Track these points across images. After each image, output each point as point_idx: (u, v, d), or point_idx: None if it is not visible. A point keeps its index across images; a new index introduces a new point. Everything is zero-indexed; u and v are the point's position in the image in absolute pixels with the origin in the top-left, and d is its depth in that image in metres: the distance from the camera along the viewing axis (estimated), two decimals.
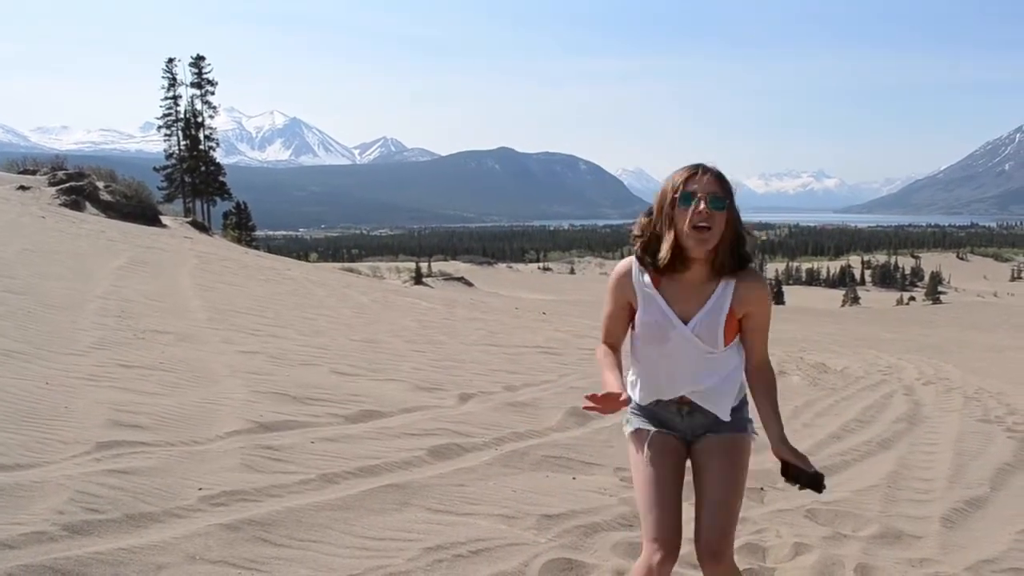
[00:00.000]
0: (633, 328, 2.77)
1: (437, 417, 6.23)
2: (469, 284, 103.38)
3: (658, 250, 2.61)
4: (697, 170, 2.58)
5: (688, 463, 2.82)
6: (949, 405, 10.07)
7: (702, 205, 2.52)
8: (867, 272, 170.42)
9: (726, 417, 2.75)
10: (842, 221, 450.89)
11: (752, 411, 2.87)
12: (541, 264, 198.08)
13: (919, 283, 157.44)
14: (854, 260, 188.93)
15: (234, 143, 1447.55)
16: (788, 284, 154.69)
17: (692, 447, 2.79)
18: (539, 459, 5.50)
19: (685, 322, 2.64)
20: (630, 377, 2.86)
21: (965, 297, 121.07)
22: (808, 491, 2.80)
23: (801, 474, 2.70)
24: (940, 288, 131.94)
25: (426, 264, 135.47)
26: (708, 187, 2.55)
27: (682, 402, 2.75)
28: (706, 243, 2.55)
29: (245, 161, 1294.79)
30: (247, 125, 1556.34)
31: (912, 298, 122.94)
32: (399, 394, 6.96)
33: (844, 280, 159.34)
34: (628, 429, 2.85)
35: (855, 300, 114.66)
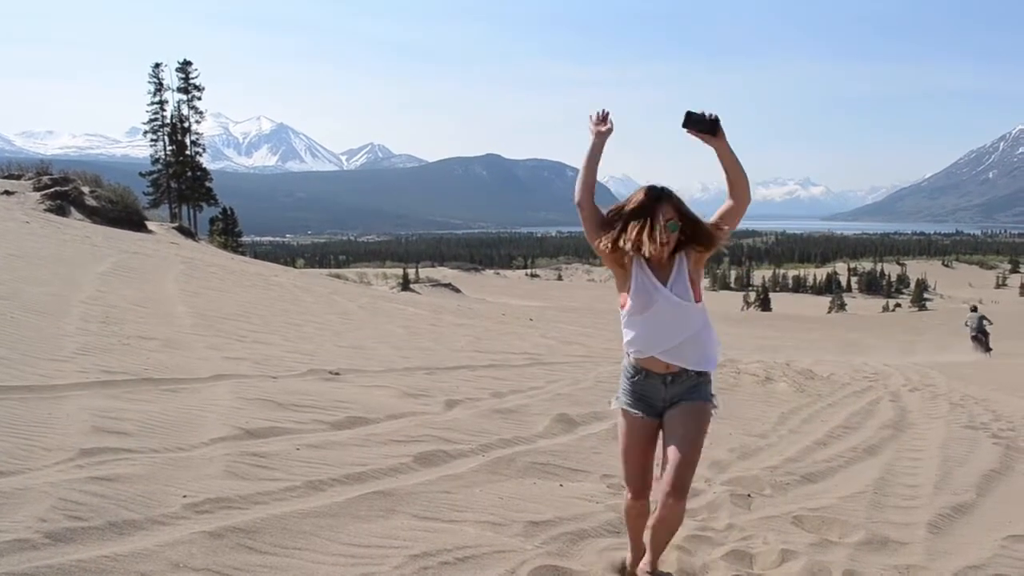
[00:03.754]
0: (621, 305, 3.52)
1: (423, 424, 6.22)
2: (456, 290, 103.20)
3: (635, 247, 3.37)
4: (655, 197, 3.36)
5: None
6: (935, 411, 10.12)
7: (662, 235, 3.32)
8: (853, 279, 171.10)
9: (703, 367, 3.46)
10: (828, 228, 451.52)
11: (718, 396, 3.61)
12: (529, 270, 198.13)
13: (905, 290, 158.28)
14: (840, 267, 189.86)
15: (221, 148, 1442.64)
16: (775, 291, 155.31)
17: (666, 414, 3.51)
18: (526, 466, 5.50)
19: (664, 284, 3.40)
20: (625, 343, 3.56)
21: (951, 304, 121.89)
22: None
23: (700, 119, 3.30)
24: (926, 295, 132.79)
25: (413, 270, 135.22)
26: (667, 214, 3.34)
27: (668, 370, 3.45)
28: (661, 254, 3.37)
29: (232, 167, 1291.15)
30: (234, 131, 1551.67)
31: (898, 305, 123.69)
32: (385, 400, 6.94)
33: (831, 287, 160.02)
34: (615, 405, 3.64)
35: (841, 307, 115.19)
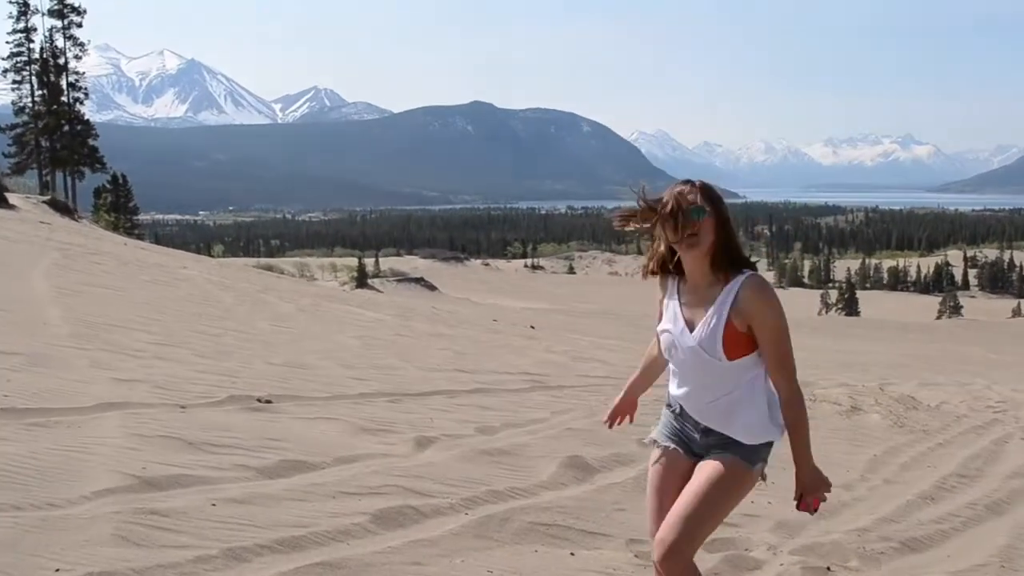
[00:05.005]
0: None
1: (386, 469, 6.21)
2: (431, 287, 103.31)
3: (669, 261, 3.62)
4: (680, 185, 3.57)
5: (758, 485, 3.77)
6: None
7: (683, 219, 3.45)
8: (972, 272, 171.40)
9: (738, 437, 3.57)
10: (938, 203, 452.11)
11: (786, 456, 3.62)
12: (529, 260, 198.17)
13: None
14: (954, 256, 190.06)
15: (110, 94, 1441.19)
16: (864, 288, 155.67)
17: (698, 464, 3.68)
18: (525, 527, 5.49)
19: (692, 330, 3.55)
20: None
21: None
22: None
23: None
24: None
25: (373, 260, 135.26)
26: (690, 200, 3.49)
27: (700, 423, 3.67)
28: (693, 247, 3.47)
29: (125, 118, 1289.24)
30: (128, 69, 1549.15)
31: None
32: (334, 438, 6.93)
33: (940, 283, 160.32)
34: (650, 435, 3.88)
35: (955, 310, 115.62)
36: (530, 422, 8.55)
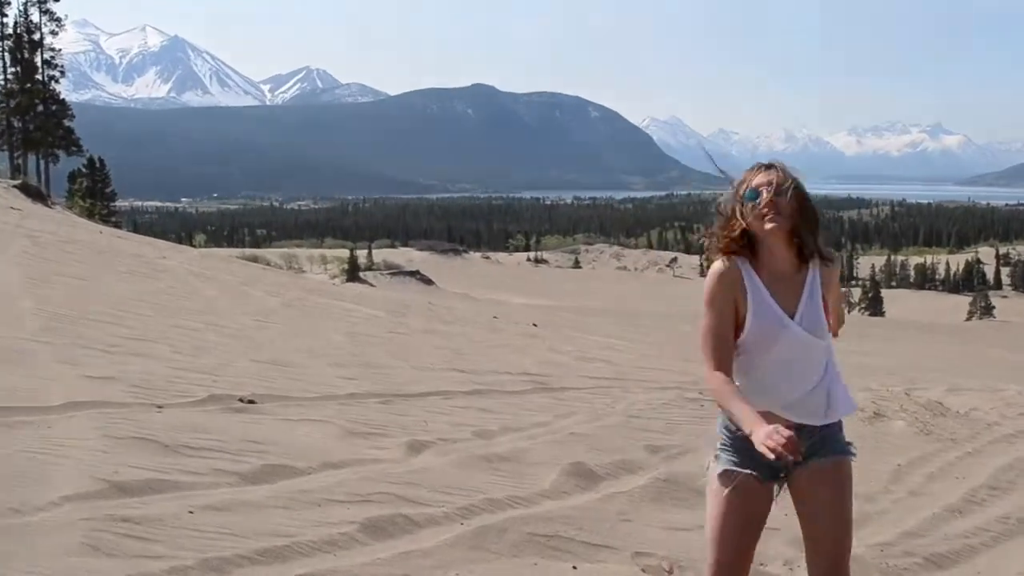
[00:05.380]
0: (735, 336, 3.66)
1: (376, 475, 6.19)
2: (427, 282, 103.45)
3: (740, 248, 3.61)
4: (761, 167, 3.63)
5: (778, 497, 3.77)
6: None
7: (765, 195, 3.51)
8: (1005, 271, 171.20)
9: (840, 414, 3.69)
10: (969, 197, 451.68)
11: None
12: (533, 254, 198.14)
13: None
14: (986, 253, 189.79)
15: (87, 72, 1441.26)
16: (889, 287, 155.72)
17: (792, 474, 3.66)
18: (523, 538, 5.47)
19: (792, 317, 3.58)
20: None
21: None
22: None
23: None
24: None
25: (365, 252, 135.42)
26: (771, 179, 3.55)
27: (788, 422, 3.53)
28: (779, 228, 3.51)
29: (103, 98, 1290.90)
30: (107, 46, 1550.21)
31: None
32: (321, 441, 6.92)
33: (971, 282, 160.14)
34: (716, 467, 3.71)
35: (987, 311, 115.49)
36: (531, 426, 8.53)
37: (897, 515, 7.14)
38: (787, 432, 3.20)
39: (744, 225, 3.54)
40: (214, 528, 4.85)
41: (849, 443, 3.72)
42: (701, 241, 3.81)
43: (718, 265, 3.63)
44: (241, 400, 7.91)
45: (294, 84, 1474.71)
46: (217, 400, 7.75)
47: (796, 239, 3.57)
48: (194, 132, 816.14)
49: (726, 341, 3.59)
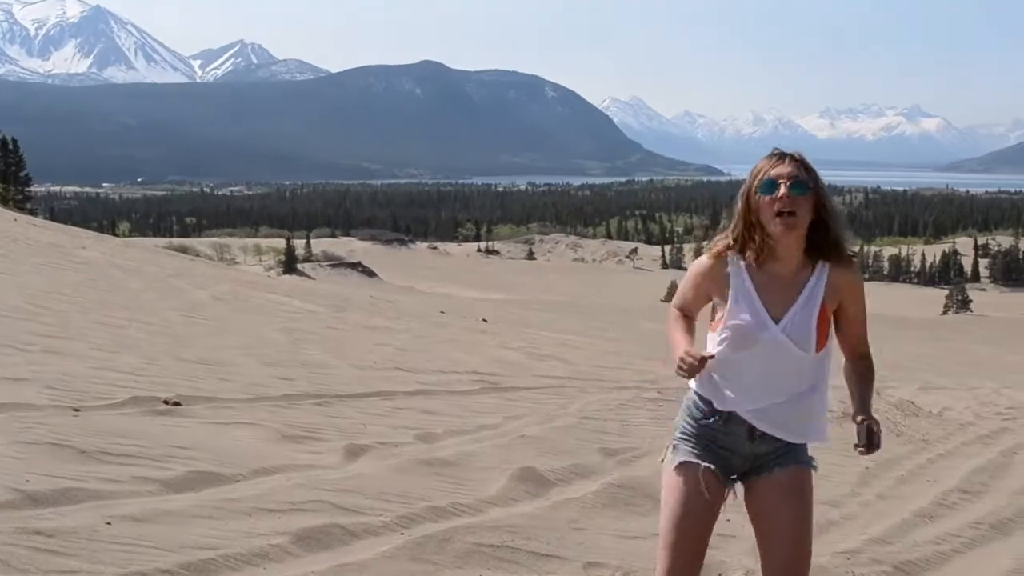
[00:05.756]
0: (712, 328, 3.76)
1: (311, 482, 6.18)
2: (370, 274, 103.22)
3: (749, 241, 3.62)
4: (778, 157, 3.61)
5: (730, 500, 3.81)
6: None
7: (782, 190, 3.50)
8: (983, 262, 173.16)
9: (811, 439, 3.76)
10: (947, 184, 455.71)
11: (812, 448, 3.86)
12: (484, 244, 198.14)
13: None
14: (964, 243, 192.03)
15: (0, 45, 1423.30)
16: (864, 279, 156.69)
17: (748, 480, 3.77)
18: (469, 549, 5.48)
19: (776, 321, 3.60)
20: (701, 382, 3.77)
21: None
22: None
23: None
24: None
25: (303, 242, 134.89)
26: (790, 172, 3.55)
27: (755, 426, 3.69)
28: (792, 228, 3.52)
29: (17, 73, 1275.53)
30: (21, 17, 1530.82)
31: None
32: (252, 446, 6.90)
33: (948, 274, 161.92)
34: (675, 458, 3.75)
35: (964, 305, 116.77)
36: (478, 428, 8.55)
37: (865, 520, 7.22)
38: (696, 359, 3.50)
39: (755, 220, 3.57)
40: (134, 540, 4.82)
41: (811, 457, 3.80)
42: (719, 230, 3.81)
43: (702, 260, 3.75)
44: (166, 402, 7.87)
45: (227, 60, 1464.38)
46: (139, 402, 7.70)
47: (809, 240, 3.59)
48: (117, 111, 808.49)
49: (692, 302, 3.83)
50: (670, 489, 3.70)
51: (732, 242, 3.66)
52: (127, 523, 5.02)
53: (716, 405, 3.71)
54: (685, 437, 3.74)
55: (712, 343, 3.71)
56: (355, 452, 7.08)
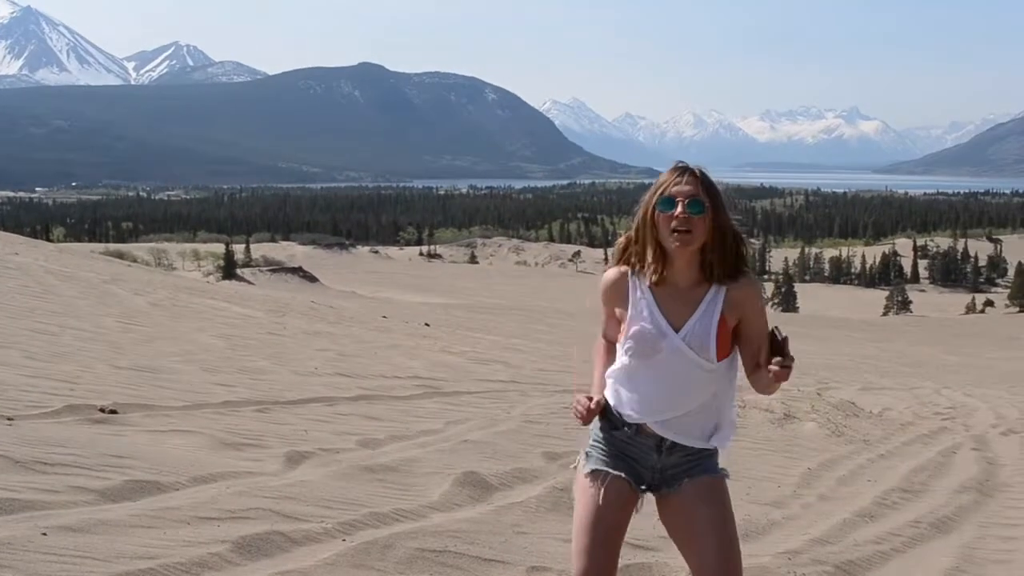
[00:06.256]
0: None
1: (251, 490, 6.15)
2: (311, 279, 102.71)
3: (644, 256, 3.69)
4: (679, 173, 3.66)
5: (643, 510, 3.84)
6: None
7: (679, 209, 3.56)
8: (922, 263, 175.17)
9: (715, 444, 3.77)
10: (886, 186, 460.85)
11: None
12: (426, 248, 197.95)
13: (1000, 280, 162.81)
14: (903, 245, 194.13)
15: None
16: (803, 281, 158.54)
17: (660, 493, 3.80)
18: (411, 555, 5.47)
19: (676, 330, 3.66)
20: (609, 394, 3.84)
21: None
22: None
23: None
24: None
25: (242, 247, 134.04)
26: (688, 191, 3.59)
27: (663, 438, 3.72)
28: (687, 245, 3.58)
29: None
30: None
31: (989, 303, 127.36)
32: (191, 454, 6.86)
33: (888, 275, 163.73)
34: (586, 466, 3.80)
35: (904, 306, 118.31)
36: (420, 434, 8.55)
37: (806, 521, 7.28)
38: (585, 408, 3.69)
39: (653, 233, 3.62)
40: (71, 551, 4.78)
41: (722, 468, 3.82)
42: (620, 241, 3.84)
43: (609, 273, 3.82)
44: (102, 410, 7.80)
45: (162, 61, 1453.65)
46: (75, 410, 7.63)
47: (704, 258, 3.64)
48: (50, 114, 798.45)
49: (607, 321, 3.88)
50: (581, 495, 3.76)
51: (632, 255, 3.74)
52: (63, 534, 4.97)
53: (624, 417, 3.76)
54: (597, 444, 3.81)
55: (617, 352, 3.79)
56: (296, 459, 7.06)
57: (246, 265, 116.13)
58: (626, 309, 3.72)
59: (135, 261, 55.49)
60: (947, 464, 10.11)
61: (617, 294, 3.77)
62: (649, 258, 3.67)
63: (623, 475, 3.71)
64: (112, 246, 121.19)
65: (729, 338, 3.67)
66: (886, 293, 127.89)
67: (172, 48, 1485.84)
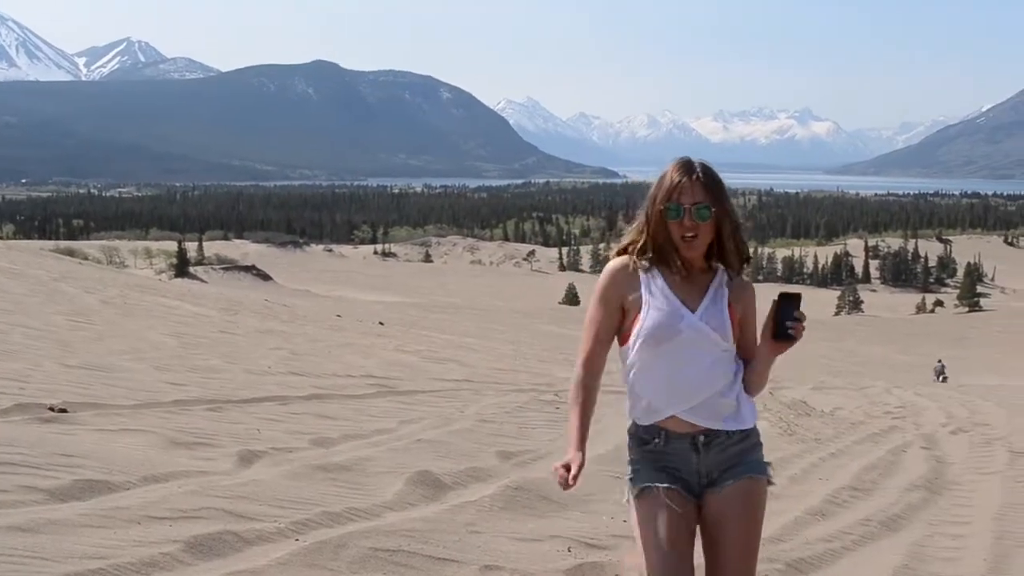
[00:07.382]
0: (622, 342, 3.76)
1: (203, 489, 6.12)
2: (264, 277, 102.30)
3: (653, 247, 3.71)
4: (685, 175, 3.66)
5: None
6: (988, 464, 10.54)
7: (687, 220, 3.60)
8: (873, 263, 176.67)
9: (740, 426, 3.72)
10: (837, 186, 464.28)
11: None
12: (380, 246, 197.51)
13: (950, 280, 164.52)
14: (855, 245, 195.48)
15: None
16: (756, 281, 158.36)
17: (705, 496, 3.72)
18: (364, 554, 5.46)
19: (692, 312, 3.66)
20: (629, 403, 3.79)
21: (1016, 301, 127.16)
22: None
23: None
24: (980, 288, 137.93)
25: (195, 245, 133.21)
26: (695, 197, 3.62)
27: (695, 429, 3.68)
28: (695, 250, 3.64)
29: None
30: None
31: (939, 303, 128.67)
32: (141, 453, 6.81)
33: (840, 275, 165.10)
34: (634, 488, 3.72)
35: (855, 305, 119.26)
36: (374, 433, 8.54)
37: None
38: (565, 479, 3.47)
39: (659, 230, 3.66)
40: (19, 551, 4.74)
41: (768, 463, 3.78)
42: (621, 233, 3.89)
43: (615, 261, 3.77)
44: (51, 409, 7.74)
45: (113, 57, 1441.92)
46: (24, 409, 7.56)
47: (709, 248, 3.69)
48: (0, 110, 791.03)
49: (605, 334, 3.74)
50: (643, 524, 3.65)
51: (638, 248, 3.73)
52: (12, 534, 4.93)
53: (651, 416, 3.70)
54: (637, 467, 3.73)
55: (627, 355, 3.71)
56: (249, 458, 7.03)
57: (199, 263, 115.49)
58: (637, 296, 3.68)
59: (86, 259, 55.10)
60: (897, 463, 10.21)
61: (627, 281, 3.72)
62: (658, 248, 3.69)
63: (673, 486, 3.63)
64: (63, 243, 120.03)
65: (737, 325, 3.71)
66: (838, 293, 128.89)
67: (123, 44, 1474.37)
